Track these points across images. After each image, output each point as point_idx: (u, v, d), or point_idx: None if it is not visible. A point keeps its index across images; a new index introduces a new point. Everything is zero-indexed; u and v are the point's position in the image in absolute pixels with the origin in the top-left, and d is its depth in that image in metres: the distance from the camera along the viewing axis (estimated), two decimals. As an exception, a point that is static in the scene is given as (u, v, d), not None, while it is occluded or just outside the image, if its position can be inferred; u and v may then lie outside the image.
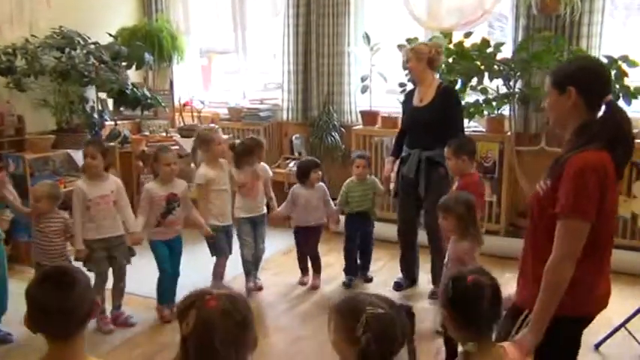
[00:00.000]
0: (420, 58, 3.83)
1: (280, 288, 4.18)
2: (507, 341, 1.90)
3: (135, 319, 3.65)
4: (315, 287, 4.16)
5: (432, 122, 3.80)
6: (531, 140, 4.77)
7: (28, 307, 1.55)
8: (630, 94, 4.19)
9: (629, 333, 3.26)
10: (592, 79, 1.96)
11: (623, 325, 3.28)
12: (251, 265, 4.04)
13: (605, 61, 4.19)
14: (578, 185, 1.86)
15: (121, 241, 3.59)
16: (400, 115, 4.99)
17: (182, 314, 1.44)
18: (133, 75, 5.43)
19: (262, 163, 4.07)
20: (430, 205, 3.82)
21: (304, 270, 4.29)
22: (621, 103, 3.96)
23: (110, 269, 3.59)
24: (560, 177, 1.92)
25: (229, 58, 6.44)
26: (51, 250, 3.43)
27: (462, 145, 3.52)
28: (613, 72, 4.09)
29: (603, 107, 1.96)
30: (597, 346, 3.27)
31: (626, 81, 4.20)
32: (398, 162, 4.06)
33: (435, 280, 3.89)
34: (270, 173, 4.10)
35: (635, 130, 2.19)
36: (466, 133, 4.25)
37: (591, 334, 2.63)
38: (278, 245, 4.76)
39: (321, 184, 4.19)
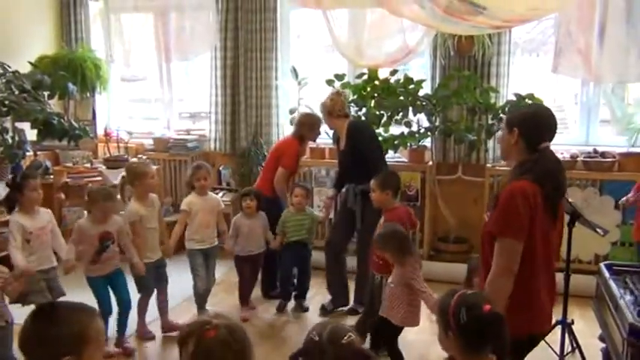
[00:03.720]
0: (323, 111, 4.27)
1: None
2: None
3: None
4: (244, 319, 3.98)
5: (353, 163, 4.14)
6: (450, 170, 5.16)
7: None
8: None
9: (547, 344, 3.59)
10: (534, 126, 2.30)
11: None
12: (202, 298, 3.98)
13: (513, 98, 4.68)
14: (509, 208, 2.17)
15: (56, 273, 3.55)
16: (326, 147, 5.28)
17: (182, 342, 1.51)
18: (52, 105, 5.25)
19: (215, 195, 4.05)
20: (363, 231, 4.08)
21: (244, 302, 4.24)
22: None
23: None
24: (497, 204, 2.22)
25: (139, 86, 6.41)
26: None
27: (388, 180, 3.73)
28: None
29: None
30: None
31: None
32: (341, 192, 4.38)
33: (358, 298, 4.17)
34: (222, 205, 4.06)
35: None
36: (389, 163, 4.56)
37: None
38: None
39: (262, 213, 4.26)
